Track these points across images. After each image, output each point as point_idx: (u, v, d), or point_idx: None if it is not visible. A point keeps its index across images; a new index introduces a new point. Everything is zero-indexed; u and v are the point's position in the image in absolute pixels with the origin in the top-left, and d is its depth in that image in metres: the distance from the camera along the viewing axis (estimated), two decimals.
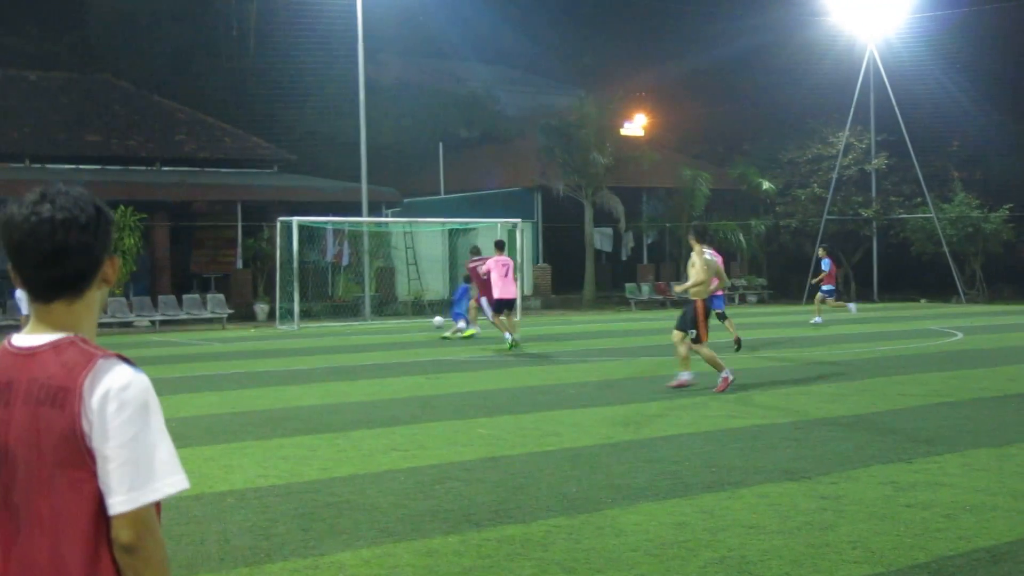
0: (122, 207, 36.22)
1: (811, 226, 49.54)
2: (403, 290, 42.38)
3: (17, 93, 43.59)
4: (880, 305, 45.32)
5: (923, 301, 46.11)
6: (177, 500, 9.39)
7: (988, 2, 49.45)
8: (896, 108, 47.45)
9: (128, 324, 35.03)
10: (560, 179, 45.28)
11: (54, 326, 2.84)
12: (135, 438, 2.72)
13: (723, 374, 16.32)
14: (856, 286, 50.30)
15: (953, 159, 51.80)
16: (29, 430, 2.75)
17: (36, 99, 43.38)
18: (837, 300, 33.11)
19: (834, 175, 49.13)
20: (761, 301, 48.35)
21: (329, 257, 40.52)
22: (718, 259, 19.16)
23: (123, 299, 35.96)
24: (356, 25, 38.86)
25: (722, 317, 23.01)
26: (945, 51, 48.33)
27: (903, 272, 49.55)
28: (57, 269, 2.80)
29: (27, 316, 2.73)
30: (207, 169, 42.86)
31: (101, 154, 41.46)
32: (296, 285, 34.62)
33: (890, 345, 24.81)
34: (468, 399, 15.93)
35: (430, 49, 61.39)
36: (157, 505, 2.77)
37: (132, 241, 36.04)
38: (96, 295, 2.92)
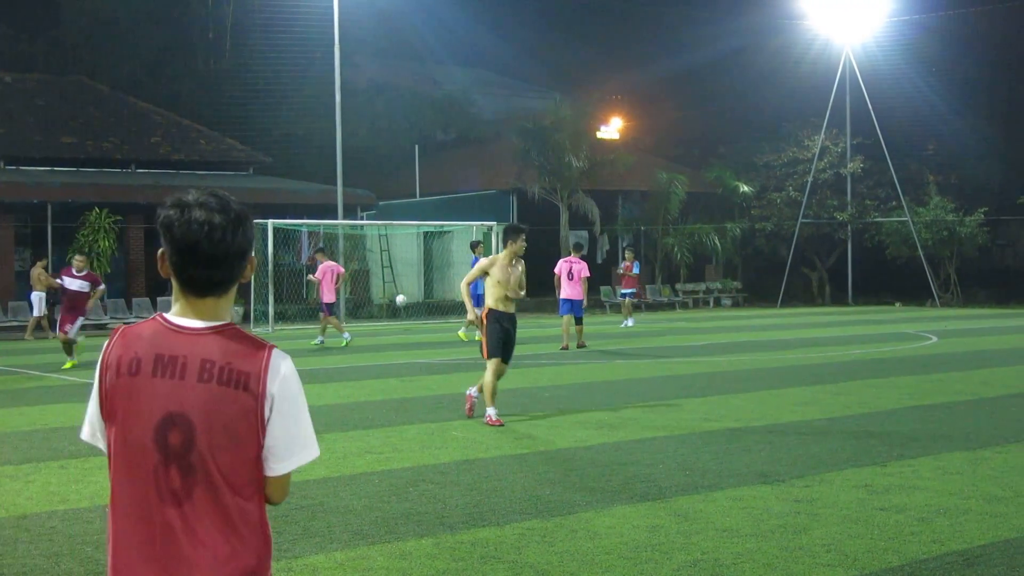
0: (97, 209, 36.07)
1: (786, 229, 49.69)
2: (378, 293, 42.30)
3: None
4: (855, 308, 45.49)
5: (898, 305, 46.31)
6: None
7: (964, 6, 49.68)
8: (872, 112, 47.62)
9: (102, 326, 34.84)
10: (536, 182, 45.28)
11: (203, 316, 3.28)
12: (295, 415, 3.27)
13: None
14: (831, 289, 50.46)
15: (928, 163, 51.98)
16: (208, 403, 3.18)
17: (11, 101, 43.15)
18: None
19: (809, 178, 49.28)
20: (736, 304, 48.47)
21: (304, 260, 40.41)
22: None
23: (98, 301, 35.73)
24: (332, 27, 38.77)
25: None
26: (921, 55, 48.52)
27: (878, 275, 49.71)
28: (223, 270, 3.26)
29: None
30: (182, 171, 42.70)
31: (76, 156, 41.26)
32: (271, 287, 34.51)
33: (864, 348, 24.90)
34: (442, 402, 15.91)
35: (406, 51, 61.36)
36: None
37: (107, 243, 35.89)
38: (235, 287, 3.37)
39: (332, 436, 12.83)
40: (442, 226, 42.29)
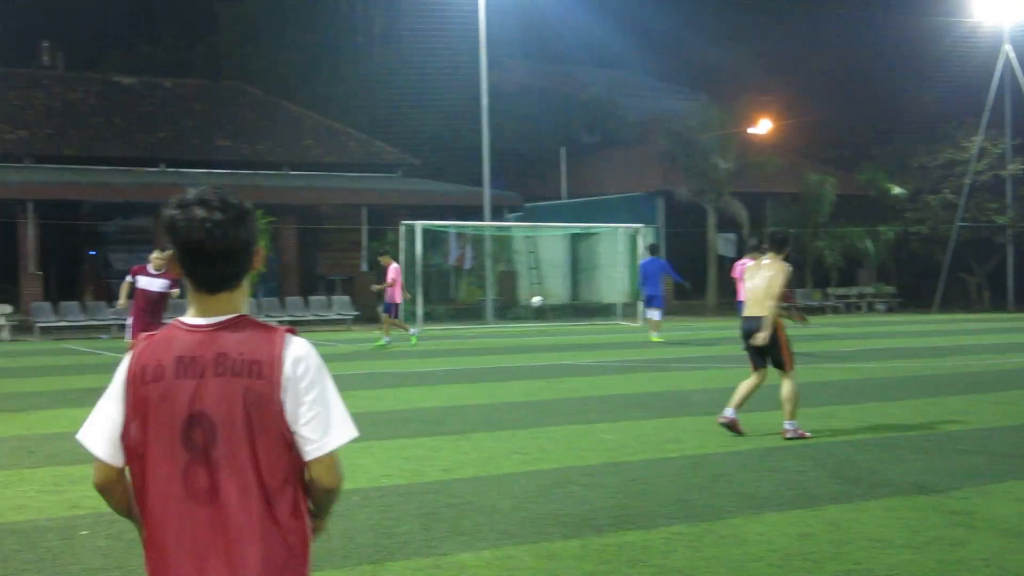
0: None
1: (942, 233, 48.51)
2: (525, 294, 42.46)
3: (153, 100, 44.68)
4: (1015, 315, 44.20)
5: None
6: None
7: None
8: None
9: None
10: (683, 184, 44.99)
11: (219, 311, 3.31)
12: (321, 395, 3.27)
13: None
14: (990, 295, 49.14)
15: None
16: (224, 397, 3.22)
17: (170, 106, 44.43)
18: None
19: (967, 181, 48.02)
20: (890, 310, 47.48)
21: (452, 260, 40.76)
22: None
23: (252, 299, 36.59)
24: (479, 31, 39.06)
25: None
26: None
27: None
28: (231, 266, 3.30)
29: None
30: (333, 173, 43.42)
31: (232, 159, 42.27)
32: (419, 288, 34.89)
33: (1007, 358, 24.18)
34: (589, 404, 15.87)
35: (552, 54, 61.51)
36: None
37: (261, 243, 36.60)
38: (247, 280, 3.42)
39: (479, 436, 12.90)
40: (589, 228, 42.24)
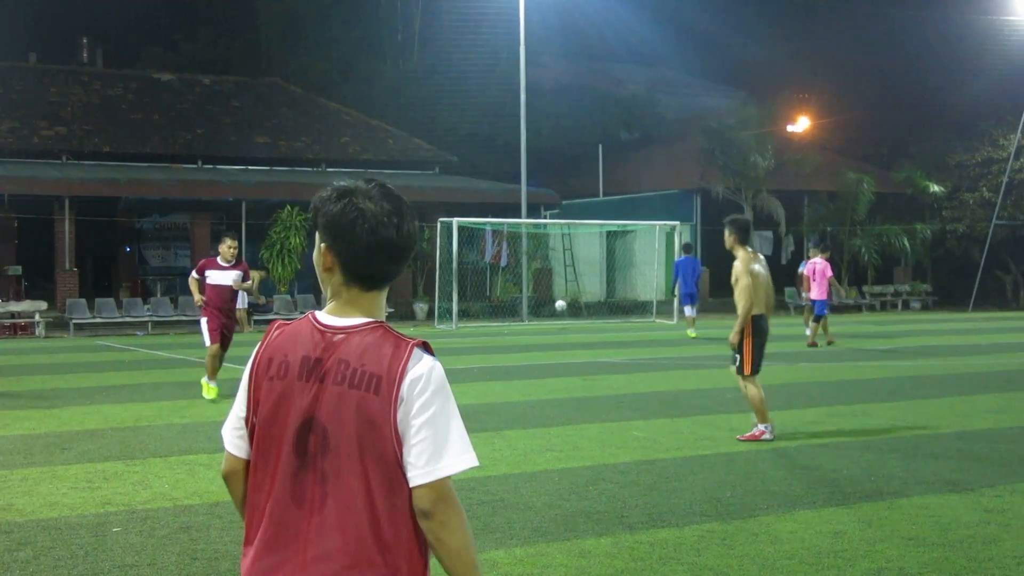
0: (288, 207, 37.05)
1: (979, 231, 48.20)
2: (560, 292, 42.49)
3: (192, 97, 44.97)
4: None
5: None
6: None
7: None
8: None
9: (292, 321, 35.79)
10: (720, 181, 44.88)
11: (362, 311, 3.18)
12: (433, 419, 3.05)
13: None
14: None
15: None
16: (339, 408, 3.07)
17: (209, 103, 44.69)
18: None
19: (1005, 179, 47.69)
20: (925, 307, 47.23)
21: (488, 258, 40.83)
22: None
23: (287, 296, 36.81)
24: (518, 28, 39.11)
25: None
26: None
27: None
28: (390, 263, 3.19)
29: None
30: (371, 170, 43.56)
31: (269, 155, 42.47)
32: (455, 285, 35.00)
33: None
34: (623, 401, 15.91)
35: (590, 51, 61.42)
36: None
37: (297, 240, 36.84)
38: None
39: (513, 433, 12.97)
40: (625, 225, 42.23)
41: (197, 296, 16.26)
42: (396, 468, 3.05)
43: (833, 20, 63.21)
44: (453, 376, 17.10)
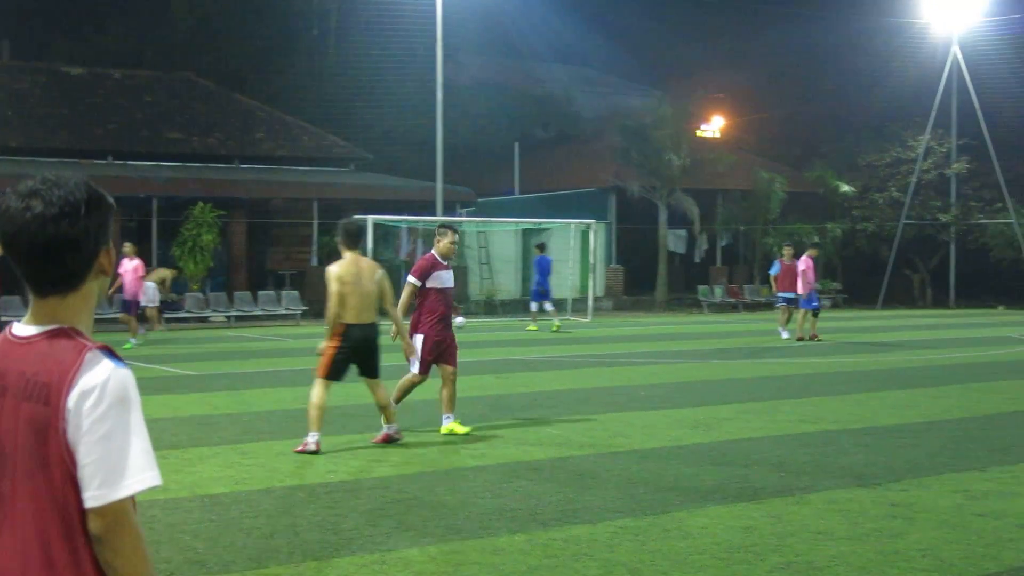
0: (201, 203, 36.66)
1: (888, 230, 48.99)
2: (475, 289, 42.49)
3: (103, 91, 44.29)
4: (956, 311, 44.71)
5: (1001, 308, 45.42)
6: (247, 494, 9.54)
7: None
8: (979, 111, 46.79)
9: (204, 319, 35.47)
10: (635, 180, 45.14)
11: (50, 319, 2.83)
12: (108, 436, 2.71)
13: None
14: (932, 292, 49.66)
15: None
16: (15, 423, 2.77)
17: (120, 97, 44.05)
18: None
19: (913, 179, 48.51)
20: (835, 305, 47.87)
21: (403, 255, 40.72)
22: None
23: (199, 294, 36.41)
24: (435, 25, 39.05)
25: None
26: None
27: (981, 278, 48.83)
28: (50, 264, 2.80)
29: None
30: (285, 167, 43.25)
31: (182, 151, 41.99)
32: None
33: (965, 352, 24.50)
34: (538, 399, 15.96)
35: (508, 49, 61.46)
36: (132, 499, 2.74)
37: (210, 237, 36.47)
38: (93, 287, 2.91)
39: (427, 432, 12.96)
40: (540, 223, 42.35)
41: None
42: (70, 488, 2.73)
43: (749, 22, 63.96)
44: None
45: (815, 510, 9.02)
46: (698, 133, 50.52)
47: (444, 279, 13.30)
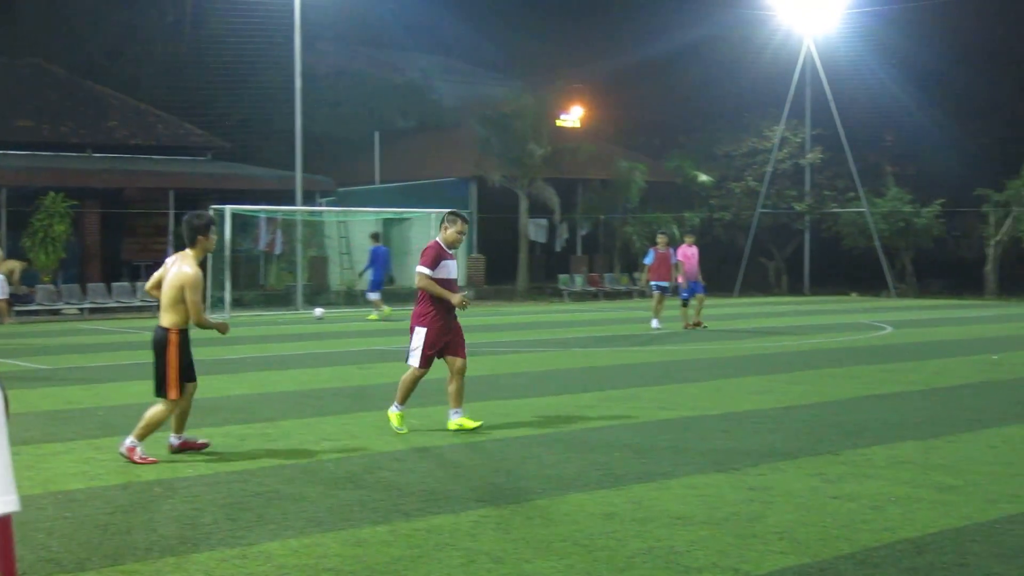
0: (52, 194, 35.76)
1: (745, 219, 49.91)
2: (336, 279, 42.17)
3: None
4: (811, 298, 45.72)
5: (854, 295, 46.56)
6: (103, 490, 9.32)
7: None
8: (831, 102, 47.89)
9: (56, 311, 34.63)
10: (496, 169, 45.24)
11: None
12: None
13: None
14: (788, 279, 50.72)
15: (886, 154, 52.36)
16: None
17: None
18: None
19: (769, 169, 49.50)
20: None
21: (262, 245, 40.22)
22: None
23: (51, 286, 35.52)
24: (293, 12, 38.61)
25: None
26: (881, 46, 48.72)
27: (835, 266, 50.02)
28: None
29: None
30: (139, 156, 42.41)
31: (32, 140, 40.90)
32: (227, 274, 34.32)
33: (820, 338, 25.05)
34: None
35: (368, 37, 61.11)
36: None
37: (62, 228, 35.60)
38: None
39: (288, 423, 12.81)
40: (401, 213, 42.20)
41: None
42: None
43: (609, 12, 64.45)
44: (227, 366, 16.68)
45: (675, 495, 9.11)
46: (559, 123, 50.81)
47: (450, 269, 12.60)
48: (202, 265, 10.94)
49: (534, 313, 35.65)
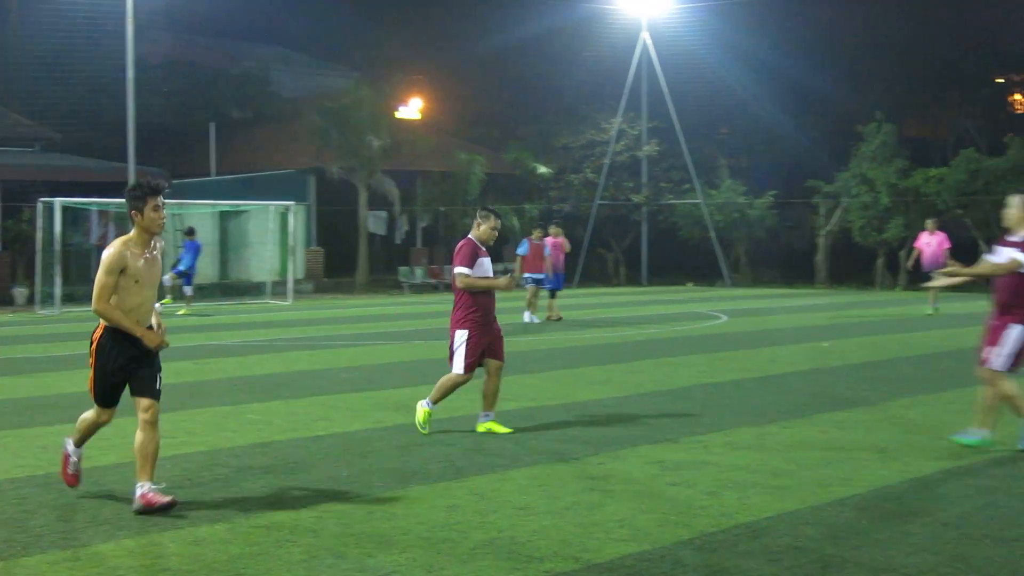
0: None
1: (583, 211, 50.40)
2: (169, 274, 41.29)
3: None
4: (649, 288, 46.40)
5: (690, 285, 47.39)
6: None
7: None
8: (667, 95, 48.63)
9: None
10: (335, 161, 44.89)
11: None
12: None
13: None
14: (626, 270, 51.38)
15: (721, 146, 53.42)
16: None
17: None
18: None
19: (606, 161, 50.06)
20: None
21: (94, 239, 39.21)
22: None
23: None
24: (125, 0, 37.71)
25: None
26: (716, 39, 49.47)
27: (672, 256, 50.82)
28: None
29: None
30: None
31: None
32: (58, 268, 33.35)
33: (658, 328, 25.43)
34: (237, 384, 15.66)
35: (203, 26, 60.06)
36: None
37: None
38: None
39: (121, 422, 12.44)
40: (238, 206, 41.60)
41: None
42: None
43: (447, 3, 64.40)
44: (58, 363, 16.26)
45: (516, 486, 9.16)
46: (398, 115, 50.60)
47: (486, 267, 12.03)
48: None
49: (374, 306, 35.48)
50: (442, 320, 28.39)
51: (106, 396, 8.82)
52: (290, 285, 37.93)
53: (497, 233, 12.26)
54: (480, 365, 11.85)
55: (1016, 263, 10.41)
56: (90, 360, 8.84)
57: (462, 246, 12.02)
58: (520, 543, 7.47)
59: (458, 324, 11.83)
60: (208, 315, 31.20)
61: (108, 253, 8.82)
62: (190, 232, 33.12)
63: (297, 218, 40.71)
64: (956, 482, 9.29)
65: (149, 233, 8.96)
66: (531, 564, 7.02)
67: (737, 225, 48.33)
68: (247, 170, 47.60)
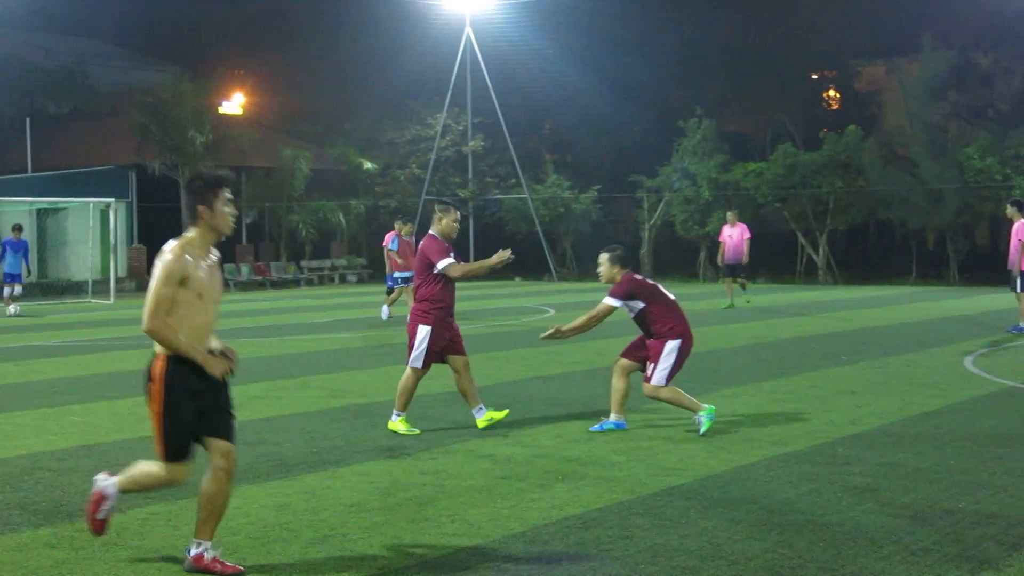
0: None
1: (410, 206, 50.37)
2: None
3: None
4: (477, 283, 46.56)
5: (518, 279, 47.74)
6: None
7: None
8: (491, 90, 48.90)
9: None
10: (156, 157, 44.07)
11: None
12: None
13: None
14: None
15: (545, 142, 53.96)
16: None
17: None
18: None
19: (432, 156, 50.13)
20: (361, 280, 48.77)
21: None
22: None
23: None
24: None
25: None
26: (538, 35, 49.87)
27: (498, 251, 51.02)
28: None
29: None
30: None
31: None
32: None
33: (486, 322, 25.61)
34: (59, 386, 15.28)
35: (16, 19, 58.14)
36: None
37: None
38: None
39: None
40: (56, 203, 40.47)
41: None
42: None
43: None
44: None
45: (348, 483, 9.16)
46: (220, 110, 49.85)
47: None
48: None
49: None
50: (270, 318, 28.16)
51: (182, 449, 7.30)
52: (112, 284, 37.09)
53: (459, 225, 12.06)
54: (442, 361, 11.82)
55: (610, 308, 11.62)
56: (154, 406, 7.24)
57: (429, 244, 11.72)
58: (352, 540, 7.48)
59: (420, 319, 11.64)
60: (28, 315, 30.29)
61: (166, 259, 7.10)
62: (18, 229, 32.30)
63: (118, 215, 39.80)
64: (780, 470, 9.59)
65: (217, 233, 7.55)
66: (364, 562, 7.04)
67: (562, 220, 48.88)
68: (65, 166, 46.34)
